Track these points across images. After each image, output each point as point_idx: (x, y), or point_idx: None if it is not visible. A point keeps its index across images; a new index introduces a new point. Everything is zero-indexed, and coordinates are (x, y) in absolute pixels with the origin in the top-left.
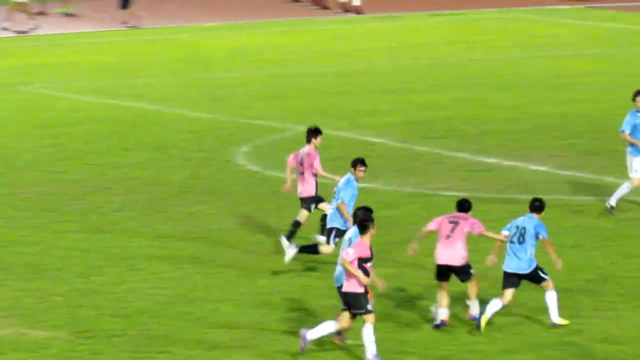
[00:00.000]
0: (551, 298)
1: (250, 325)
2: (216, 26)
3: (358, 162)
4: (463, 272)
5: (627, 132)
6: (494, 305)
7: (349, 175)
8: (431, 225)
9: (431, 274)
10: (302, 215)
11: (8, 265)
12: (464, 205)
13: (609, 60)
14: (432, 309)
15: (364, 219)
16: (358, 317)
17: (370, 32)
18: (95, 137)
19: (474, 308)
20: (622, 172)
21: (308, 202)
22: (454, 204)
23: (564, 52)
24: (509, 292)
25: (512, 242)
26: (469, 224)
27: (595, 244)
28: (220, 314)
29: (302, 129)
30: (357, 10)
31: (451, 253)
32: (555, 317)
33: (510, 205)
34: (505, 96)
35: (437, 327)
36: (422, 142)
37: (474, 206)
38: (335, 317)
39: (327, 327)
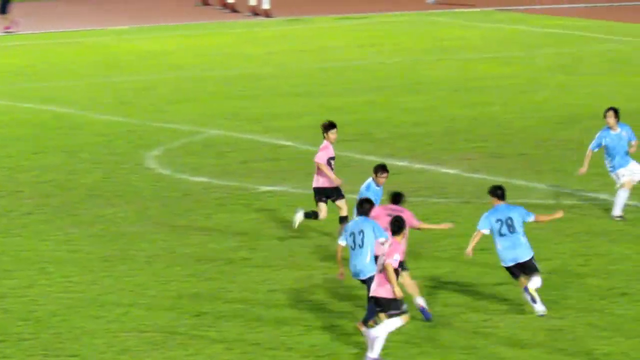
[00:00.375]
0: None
1: (161, 328)
2: (127, 29)
3: (379, 169)
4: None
5: (592, 149)
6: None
7: (369, 180)
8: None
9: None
10: (319, 208)
11: None
12: (396, 198)
13: (518, 63)
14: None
15: (398, 220)
16: None
17: (280, 35)
18: (5, 140)
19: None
20: (531, 175)
21: (319, 195)
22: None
23: (473, 55)
24: (522, 279)
25: (501, 235)
26: (405, 217)
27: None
28: (131, 317)
29: (214, 132)
30: (267, 14)
31: None
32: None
33: (420, 207)
34: (415, 99)
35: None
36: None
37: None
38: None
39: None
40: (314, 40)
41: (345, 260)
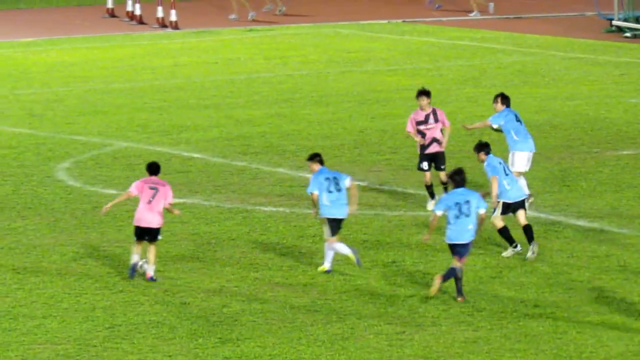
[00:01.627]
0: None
1: (75, 340)
2: (33, 41)
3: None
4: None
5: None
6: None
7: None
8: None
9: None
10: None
11: None
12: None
13: (425, 74)
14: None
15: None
16: None
17: (187, 47)
18: None
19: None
20: (441, 186)
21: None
22: (273, 219)
23: (380, 67)
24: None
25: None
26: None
27: (414, 259)
28: (44, 330)
29: (123, 144)
30: (174, 26)
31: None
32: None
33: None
34: (323, 111)
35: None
36: (241, 158)
37: (294, 222)
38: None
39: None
40: (221, 53)
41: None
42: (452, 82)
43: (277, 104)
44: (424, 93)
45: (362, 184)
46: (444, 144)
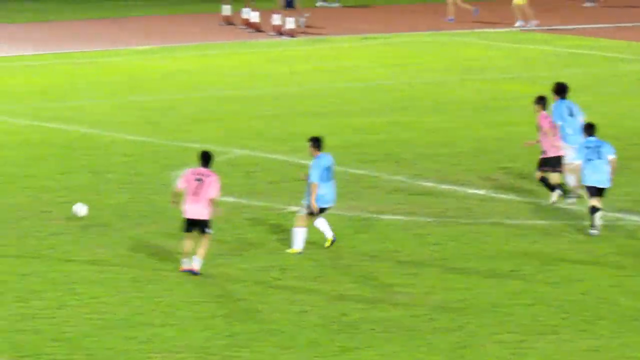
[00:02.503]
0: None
1: (194, 349)
2: (150, 49)
3: None
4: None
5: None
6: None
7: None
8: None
9: None
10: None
11: None
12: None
13: (543, 83)
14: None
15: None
16: None
17: (304, 55)
18: (30, 160)
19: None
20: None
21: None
22: (391, 228)
23: (498, 75)
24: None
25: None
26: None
27: (534, 267)
28: (163, 338)
29: (239, 152)
30: (291, 34)
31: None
32: None
33: (447, 228)
34: (441, 119)
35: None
36: (358, 166)
37: (412, 230)
38: None
39: None
40: (338, 60)
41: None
42: (570, 90)
43: (395, 111)
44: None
45: (478, 192)
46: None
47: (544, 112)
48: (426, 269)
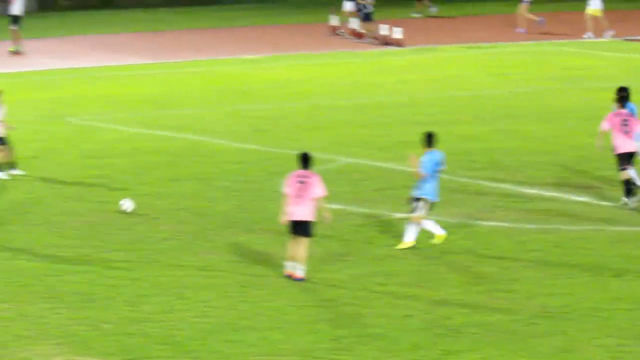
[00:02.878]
0: None
1: (299, 352)
2: (257, 58)
3: None
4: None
5: None
6: None
7: None
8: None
9: None
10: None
11: (59, 293)
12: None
13: None
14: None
15: None
16: None
17: (410, 64)
18: (142, 167)
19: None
20: None
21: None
22: (495, 234)
23: (601, 84)
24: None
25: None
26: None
27: (637, 274)
28: (269, 342)
29: (346, 160)
30: (398, 43)
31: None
32: None
33: (550, 235)
34: (545, 127)
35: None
36: (463, 173)
37: (516, 237)
38: None
39: None
40: (444, 69)
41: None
42: None
43: (500, 120)
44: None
45: (581, 199)
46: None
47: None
48: (528, 274)
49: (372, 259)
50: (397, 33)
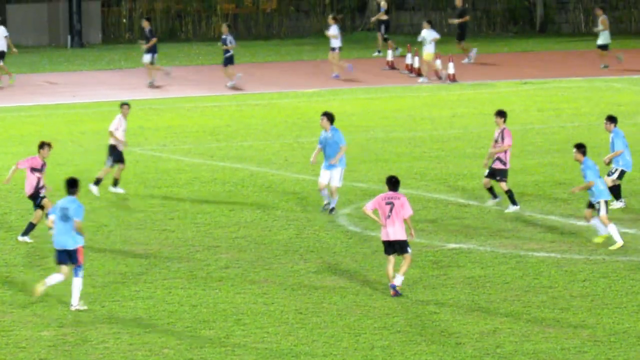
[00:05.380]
0: None
1: None
2: (317, 92)
3: None
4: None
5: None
6: None
7: None
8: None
9: None
10: None
11: (121, 319)
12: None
13: None
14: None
15: None
16: None
17: (463, 99)
18: (202, 197)
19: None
20: None
21: None
22: (545, 264)
23: None
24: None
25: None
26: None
27: None
28: None
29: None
30: (451, 78)
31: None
32: None
33: (598, 265)
34: (595, 161)
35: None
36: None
37: (565, 267)
38: None
39: None
40: (497, 104)
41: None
42: None
43: (550, 153)
44: (498, 113)
45: (630, 231)
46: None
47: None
48: (577, 303)
49: (425, 288)
50: (451, 68)
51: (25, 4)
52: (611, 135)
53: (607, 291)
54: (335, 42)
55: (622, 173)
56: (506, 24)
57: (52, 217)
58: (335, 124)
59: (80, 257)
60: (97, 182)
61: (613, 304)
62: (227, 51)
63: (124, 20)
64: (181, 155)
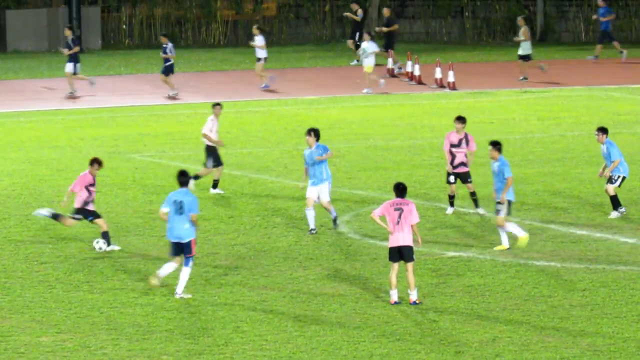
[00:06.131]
0: None
1: None
2: (317, 99)
3: None
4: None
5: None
6: None
7: None
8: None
9: None
10: None
11: (119, 325)
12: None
13: None
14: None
15: None
16: None
17: (464, 107)
18: (201, 204)
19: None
20: None
21: None
22: (544, 273)
23: None
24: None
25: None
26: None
27: None
28: None
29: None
30: (452, 86)
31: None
32: None
33: (597, 274)
34: (594, 170)
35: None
36: (514, 214)
37: (565, 276)
38: None
39: None
40: (497, 113)
41: None
42: None
43: (550, 162)
44: (459, 118)
45: (630, 240)
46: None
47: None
48: (576, 313)
49: (425, 296)
50: (451, 76)
51: (25, 9)
52: (604, 146)
53: (607, 300)
54: (261, 53)
55: (623, 180)
56: (506, 33)
57: (164, 209)
58: (334, 131)
59: (193, 249)
60: (196, 177)
61: (613, 314)
62: (167, 60)
63: (124, 27)
64: (180, 161)
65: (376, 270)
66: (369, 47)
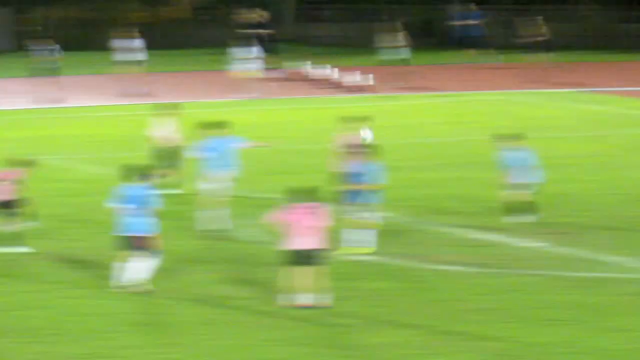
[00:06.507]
0: None
1: None
2: (221, 102)
3: None
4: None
5: None
6: None
7: None
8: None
9: None
10: None
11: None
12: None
13: (598, 140)
14: None
15: None
16: None
17: (374, 111)
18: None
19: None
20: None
21: None
22: (450, 278)
23: (557, 134)
24: None
25: None
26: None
27: (589, 318)
28: None
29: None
30: (370, 90)
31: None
32: None
33: (504, 279)
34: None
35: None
36: (427, 218)
37: (471, 279)
38: None
39: None
40: (405, 118)
41: None
42: (629, 150)
43: (461, 167)
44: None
45: (539, 245)
46: None
47: None
48: (482, 317)
49: (327, 300)
50: (369, 80)
51: None
52: (505, 152)
53: (513, 305)
54: (140, 55)
55: (530, 186)
56: (423, 37)
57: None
58: (248, 134)
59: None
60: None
61: (518, 318)
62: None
63: (39, 28)
64: (92, 164)
65: (275, 275)
66: (255, 51)
